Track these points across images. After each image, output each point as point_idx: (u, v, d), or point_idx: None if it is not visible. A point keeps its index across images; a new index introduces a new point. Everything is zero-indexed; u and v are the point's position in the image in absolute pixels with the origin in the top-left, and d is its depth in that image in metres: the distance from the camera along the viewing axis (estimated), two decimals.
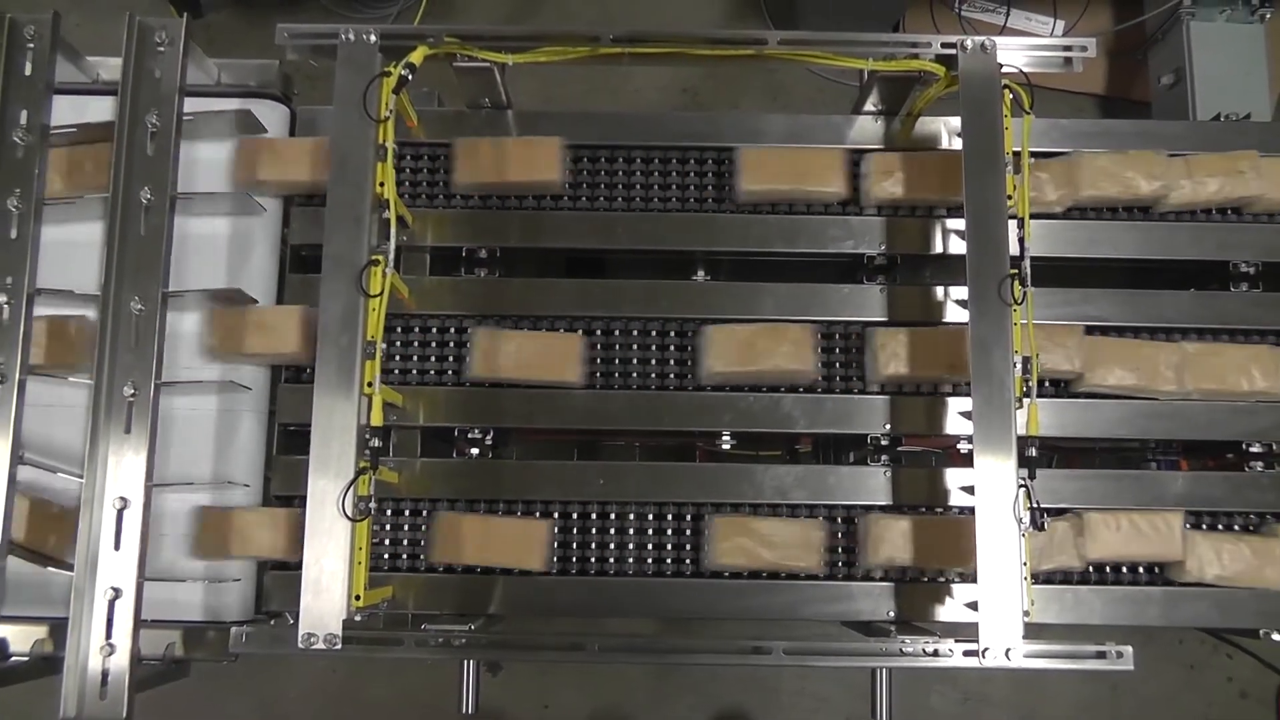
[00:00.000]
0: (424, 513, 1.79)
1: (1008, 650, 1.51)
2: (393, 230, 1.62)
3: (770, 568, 1.75)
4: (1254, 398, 1.80)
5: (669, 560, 1.78)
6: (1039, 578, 1.75)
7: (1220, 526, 1.80)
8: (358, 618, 1.54)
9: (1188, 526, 1.76)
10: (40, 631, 1.71)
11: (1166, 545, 1.74)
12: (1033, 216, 1.72)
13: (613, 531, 1.79)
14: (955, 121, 1.85)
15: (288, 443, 1.83)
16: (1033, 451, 1.58)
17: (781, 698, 2.83)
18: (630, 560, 1.78)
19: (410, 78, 1.65)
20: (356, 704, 2.84)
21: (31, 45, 1.73)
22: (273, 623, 1.73)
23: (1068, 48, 1.72)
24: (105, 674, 1.57)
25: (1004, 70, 1.68)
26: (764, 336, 1.78)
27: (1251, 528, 1.80)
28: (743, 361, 1.77)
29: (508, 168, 1.82)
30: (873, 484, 1.79)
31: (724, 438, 1.86)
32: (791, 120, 1.91)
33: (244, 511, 1.75)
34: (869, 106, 1.89)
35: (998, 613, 1.52)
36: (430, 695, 2.79)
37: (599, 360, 1.82)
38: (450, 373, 1.82)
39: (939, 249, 1.84)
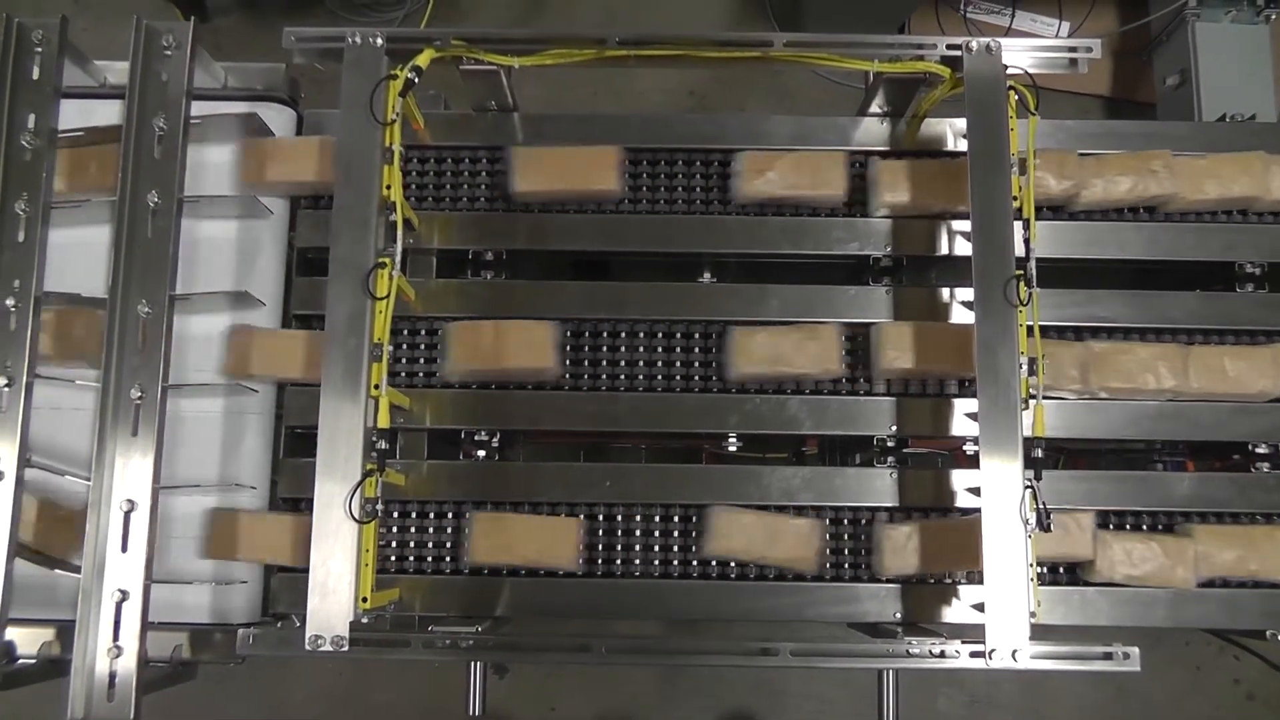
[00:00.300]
0: (430, 515, 1.80)
1: (1014, 651, 1.52)
2: (399, 233, 1.62)
3: (529, 564, 1.76)
4: (1163, 396, 1.79)
5: (675, 562, 1.78)
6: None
7: None
8: (364, 620, 1.54)
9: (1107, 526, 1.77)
10: (47, 634, 1.71)
11: (1077, 545, 1.73)
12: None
13: (619, 533, 1.79)
14: (961, 123, 1.84)
15: (294, 445, 1.83)
16: (1039, 452, 1.59)
17: (787, 700, 2.83)
18: (637, 561, 1.78)
19: (417, 81, 1.65)
20: (362, 707, 2.84)
21: (39, 49, 1.73)
22: (279, 625, 1.74)
23: (1073, 49, 1.72)
24: (112, 676, 1.57)
25: (1009, 71, 1.68)
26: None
27: None
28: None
29: None
30: (879, 485, 1.79)
31: (730, 440, 1.86)
32: (797, 122, 1.91)
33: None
34: (875, 108, 1.89)
35: (1004, 614, 1.52)
36: (436, 699, 2.79)
37: (605, 362, 1.82)
38: None
39: (944, 250, 1.84)
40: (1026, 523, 1.53)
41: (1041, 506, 1.55)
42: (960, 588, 1.76)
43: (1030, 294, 1.60)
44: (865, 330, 1.81)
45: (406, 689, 2.83)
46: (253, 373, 1.77)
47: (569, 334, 1.83)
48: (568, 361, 1.82)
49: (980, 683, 2.82)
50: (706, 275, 1.91)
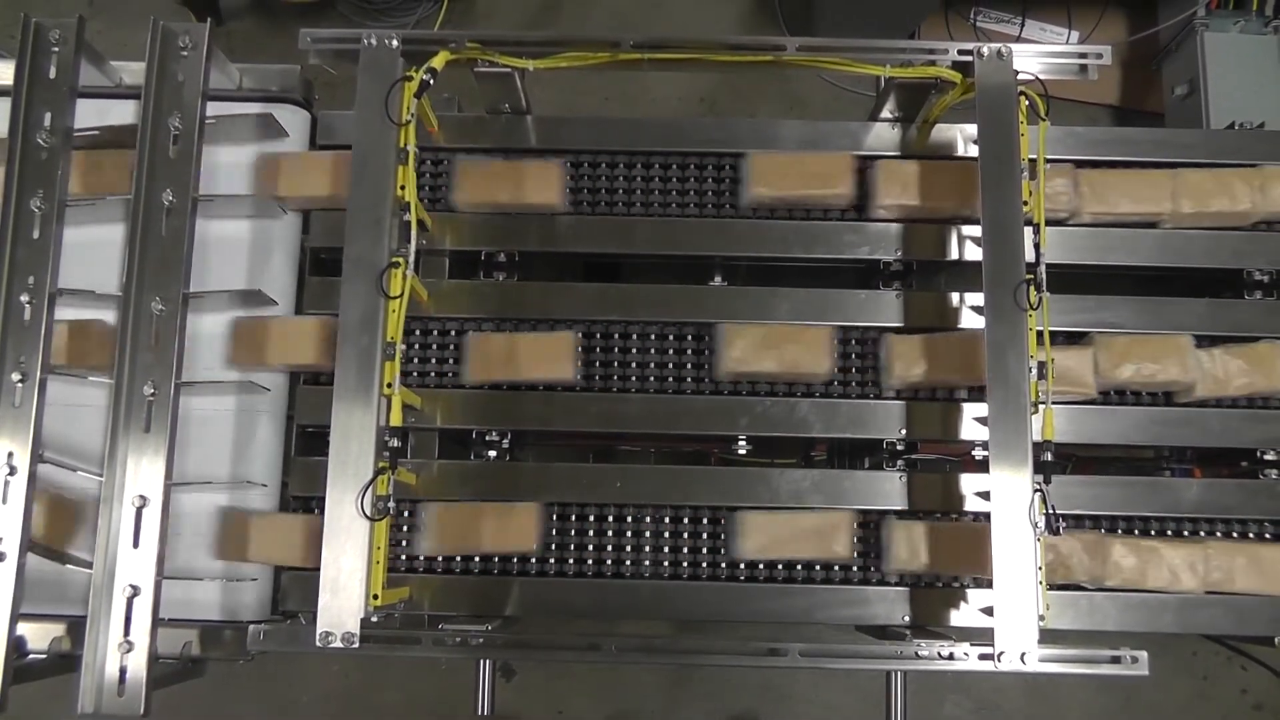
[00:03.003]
0: None
1: (1023, 654, 1.52)
2: (413, 233, 1.63)
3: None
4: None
5: (685, 563, 1.79)
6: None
7: (1235, 535, 1.80)
8: (375, 618, 1.54)
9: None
10: (58, 629, 1.72)
11: None
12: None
13: (629, 534, 1.79)
14: (971, 128, 1.85)
15: (305, 444, 1.84)
16: (1048, 456, 1.59)
17: (793, 705, 2.83)
18: (646, 563, 1.79)
19: (432, 82, 1.66)
20: (369, 709, 2.84)
21: (56, 49, 1.74)
22: (289, 623, 1.74)
23: (1083, 55, 1.73)
24: (123, 671, 1.58)
25: (1020, 77, 1.69)
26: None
27: (1267, 535, 1.80)
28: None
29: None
30: (888, 488, 1.79)
31: (740, 443, 1.87)
32: (808, 127, 1.92)
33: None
34: (885, 114, 1.89)
35: (1013, 617, 1.52)
36: (443, 700, 2.79)
37: (616, 364, 1.83)
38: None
39: (954, 255, 1.85)
40: (1036, 526, 1.54)
41: (1051, 511, 1.55)
42: (968, 591, 1.76)
43: (1040, 298, 1.60)
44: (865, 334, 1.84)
45: (412, 692, 2.83)
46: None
47: (580, 335, 1.84)
48: (579, 363, 1.83)
49: (987, 689, 2.82)
50: (718, 278, 1.92)
